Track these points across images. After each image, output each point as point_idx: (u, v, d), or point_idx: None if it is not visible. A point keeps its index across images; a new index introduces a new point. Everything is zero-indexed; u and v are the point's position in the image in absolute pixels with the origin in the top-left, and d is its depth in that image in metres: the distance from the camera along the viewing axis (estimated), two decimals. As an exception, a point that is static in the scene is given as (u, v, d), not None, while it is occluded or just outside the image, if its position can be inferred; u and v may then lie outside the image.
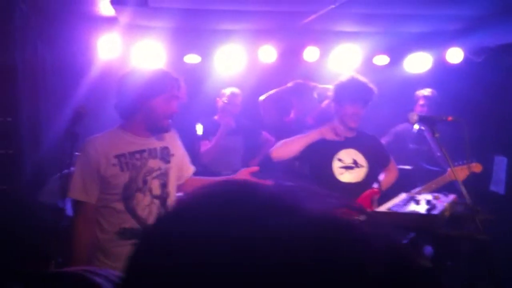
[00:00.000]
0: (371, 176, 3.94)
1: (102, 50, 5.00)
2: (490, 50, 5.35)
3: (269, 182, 0.62)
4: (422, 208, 3.09)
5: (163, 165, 3.10)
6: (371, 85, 3.81)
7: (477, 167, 4.08)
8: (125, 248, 2.93)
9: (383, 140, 5.23)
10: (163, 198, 3.08)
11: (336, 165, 3.86)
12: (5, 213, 4.04)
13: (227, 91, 5.36)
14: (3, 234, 4.04)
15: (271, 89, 5.42)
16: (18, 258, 3.85)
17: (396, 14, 4.82)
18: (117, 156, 2.95)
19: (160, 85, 2.98)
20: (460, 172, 3.51)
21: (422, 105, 5.27)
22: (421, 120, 3.44)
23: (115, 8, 4.50)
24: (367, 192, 3.84)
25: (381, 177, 4.13)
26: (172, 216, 0.62)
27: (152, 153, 3.07)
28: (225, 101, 5.27)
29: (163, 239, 0.58)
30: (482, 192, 4.03)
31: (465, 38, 5.29)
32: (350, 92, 3.77)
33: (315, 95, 5.21)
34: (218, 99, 5.38)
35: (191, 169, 3.36)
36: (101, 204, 2.97)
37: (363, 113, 3.82)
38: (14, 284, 1.08)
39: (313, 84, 5.21)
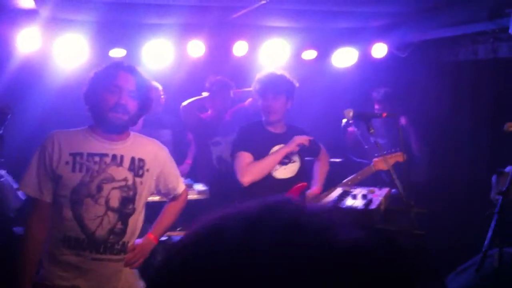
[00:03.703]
0: (303, 170, 3.99)
1: (22, 44, 4.73)
2: (413, 45, 5.55)
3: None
4: (359, 203, 3.16)
5: (131, 177, 2.81)
6: (283, 77, 3.87)
7: (401, 157, 4.18)
8: (70, 258, 2.72)
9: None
10: (124, 213, 2.79)
11: None
12: None
13: None
14: None
15: (200, 84, 5.37)
16: None
17: (323, 11, 4.89)
18: (73, 155, 2.71)
19: (99, 78, 2.79)
20: (385, 162, 3.61)
21: (378, 109, 5.38)
22: (357, 116, 3.50)
23: (35, 0, 4.27)
24: (297, 186, 3.87)
25: (315, 168, 4.20)
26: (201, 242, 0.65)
27: (116, 160, 2.79)
28: None
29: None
30: (405, 182, 4.18)
31: (389, 33, 5.45)
32: (260, 85, 3.86)
33: (232, 94, 5.22)
34: None
35: (179, 188, 3.11)
36: (51, 205, 2.75)
37: (278, 105, 3.84)
38: None
39: (231, 82, 5.21)
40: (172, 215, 3.17)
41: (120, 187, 2.76)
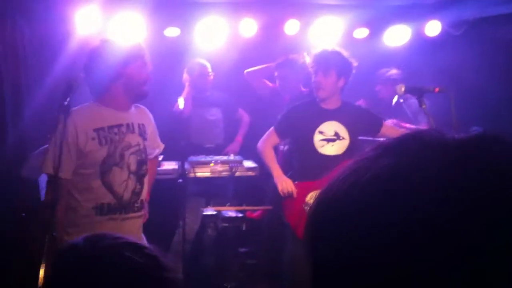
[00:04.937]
0: (353, 149, 3.98)
1: (80, 22, 4.91)
2: (468, 23, 5.40)
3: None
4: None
5: (141, 142, 3.14)
6: (336, 54, 3.85)
7: None
8: (102, 223, 2.96)
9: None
10: (140, 175, 3.11)
11: (317, 138, 3.90)
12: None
13: (195, 63, 5.33)
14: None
15: (252, 62, 5.41)
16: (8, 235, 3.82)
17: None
18: (96, 130, 2.96)
19: (132, 53, 3.06)
20: None
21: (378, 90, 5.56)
22: (409, 91, 3.45)
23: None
24: (344, 163, 3.85)
25: None
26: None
27: (130, 128, 3.09)
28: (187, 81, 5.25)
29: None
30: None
31: (444, 11, 5.32)
32: (312, 62, 3.90)
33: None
34: (185, 75, 5.34)
35: (161, 146, 3.49)
36: (77, 179, 2.95)
37: (328, 83, 3.83)
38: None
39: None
40: (155, 172, 3.69)
41: (135, 152, 3.09)
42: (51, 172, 2.86)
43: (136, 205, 3.10)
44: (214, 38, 5.38)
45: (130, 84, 3.04)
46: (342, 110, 3.96)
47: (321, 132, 3.91)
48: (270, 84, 5.28)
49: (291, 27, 5.48)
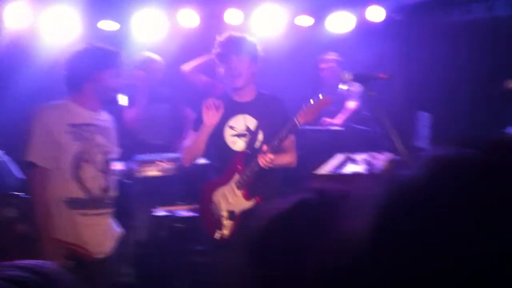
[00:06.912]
0: (267, 143, 3.44)
1: (9, 18, 4.59)
2: (410, 7, 5.43)
3: None
4: (362, 168, 3.08)
5: (106, 143, 3.28)
6: (244, 38, 3.51)
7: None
8: (74, 217, 3.11)
9: None
10: (107, 173, 3.27)
11: (228, 133, 3.53)
12: None
13: (144, 56, 5.10)
14: None
15: (194, 55, 5.25)
16: None
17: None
18: (71, 125, 3.12)
19: (109, 60, 3.21)
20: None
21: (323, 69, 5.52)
22: (355, 78, 3.30)
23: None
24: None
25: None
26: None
27: (98, 128, 3.24)
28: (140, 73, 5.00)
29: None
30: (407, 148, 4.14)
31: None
32: (221, 48, 3.46)
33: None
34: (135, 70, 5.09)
35: (118, 151, 3.53)
36: (52, 172, 3.09)
37: (243, 68, 3.42)
38: None
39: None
40: None
41: (103, 152, 3.25)
42: (37, 161, 3.03)
43: (107, 201, 3.27)
44: (153, 31, 5.16)
45: (100, 88, 3.18)
46: (256, 102, 3.57)
47: (231, 127, 3.53)
48: (204, 78, 5.12)
49: (232, 16, 5.34)
